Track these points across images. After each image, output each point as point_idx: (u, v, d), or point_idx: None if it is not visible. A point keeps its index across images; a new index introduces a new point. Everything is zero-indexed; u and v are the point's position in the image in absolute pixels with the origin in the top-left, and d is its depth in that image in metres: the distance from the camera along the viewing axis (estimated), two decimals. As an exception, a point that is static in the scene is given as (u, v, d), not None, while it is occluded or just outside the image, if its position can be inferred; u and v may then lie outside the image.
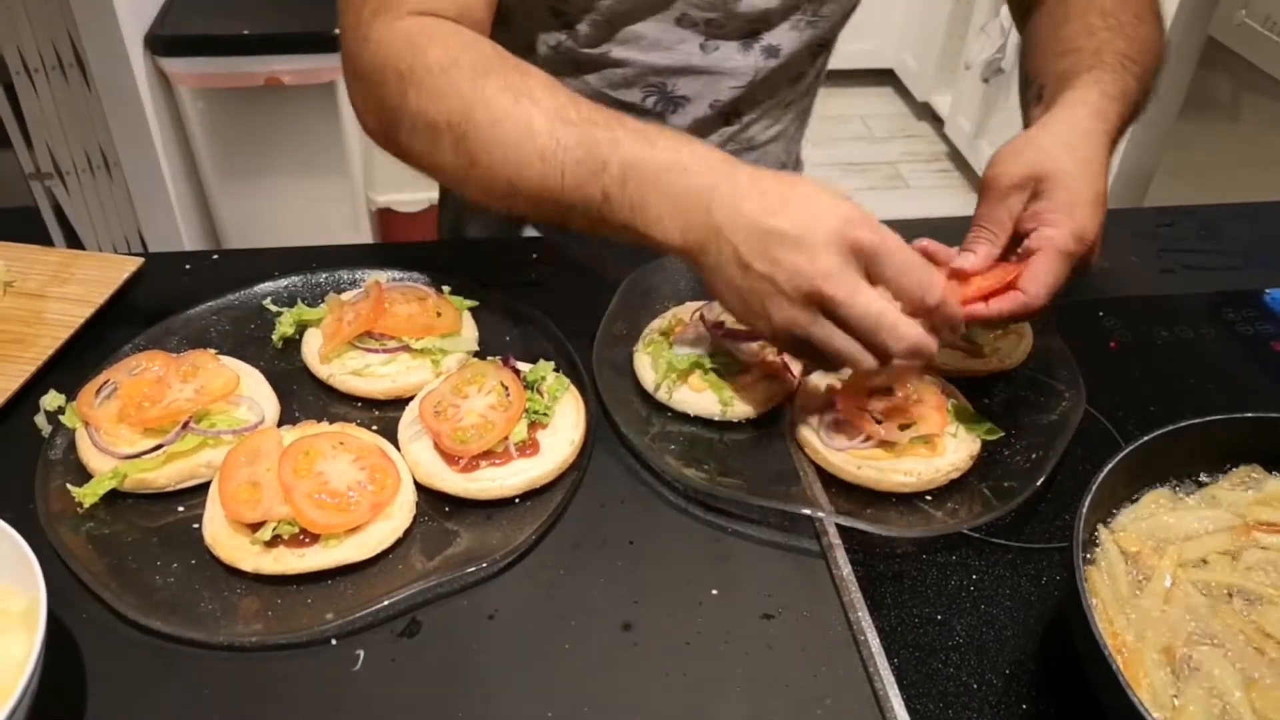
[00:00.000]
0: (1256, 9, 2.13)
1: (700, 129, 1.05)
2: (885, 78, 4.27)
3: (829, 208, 0.67)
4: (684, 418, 0.83)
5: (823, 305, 0.67)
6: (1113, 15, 0.88)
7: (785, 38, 1.00)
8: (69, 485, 0.73)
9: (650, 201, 0.70)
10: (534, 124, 0.73)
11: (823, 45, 1.08)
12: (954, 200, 3.50)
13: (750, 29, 0.98)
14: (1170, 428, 0.68)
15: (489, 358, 0.83)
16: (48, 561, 0.62)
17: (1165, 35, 0.92)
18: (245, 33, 2.10)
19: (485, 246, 1.15)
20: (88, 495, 0.72)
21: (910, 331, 0.67)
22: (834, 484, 0.77)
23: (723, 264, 0.69)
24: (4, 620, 0.61)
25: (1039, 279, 0.73)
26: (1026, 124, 0.87)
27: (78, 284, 0.93)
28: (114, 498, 0.73)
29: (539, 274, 1.00)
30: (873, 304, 0.66)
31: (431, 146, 0.77)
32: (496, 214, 1.17)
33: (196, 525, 0.71)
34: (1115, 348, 0.94)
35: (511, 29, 0.99)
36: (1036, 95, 0.88)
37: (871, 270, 0.67)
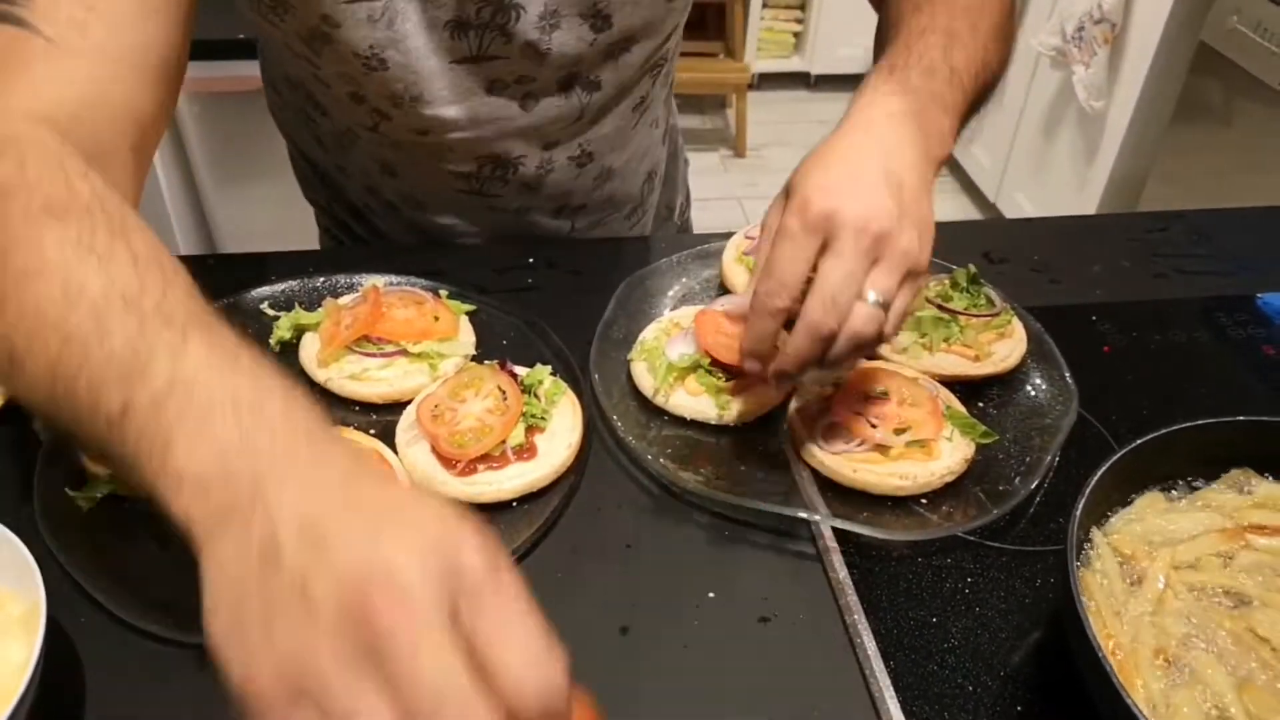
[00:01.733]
0: (1248, 15, 2.15)
1: (546, 174, 1.00)
2: (879, 82, 4.28)
3: (439, 514, 0.41)
4: (681, 421, 0.84)
5: (368, 642, 0.37)
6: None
7: (606, 73, 0.93)
8: (67, 489, 0.73)
9: (182, 438, 0.44)
10: (86, 290, 0.50)
11: (659, 65, 1.01)
12: (946, 205, 3.51)
13: (565, 77, 0.91)
14: (1163, 431, 0.68)
15: (486, 362, 0.84)
16: (47, 565, 0.62)
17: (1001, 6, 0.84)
18: (241, 36, 2.10)
19: (482, 250, 1.15)
20: (86, 499, 0.72)
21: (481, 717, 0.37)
22: (830, 487, 0.78)
23: (240, 550, 0.41)
24: (3, 624, 0.61)
25: (761, 266, 0.67)
26: None
27: (75, 288, 0.93)
28: (112, 501, 0.73)
29: (536, 278, 1.00)
30: (450, 668, 0.37)
31: None
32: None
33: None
34: (1108, 352, 0.95)
35: (330, 117, 0.96)
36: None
37: (468, 609, 0.39)
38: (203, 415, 0.45)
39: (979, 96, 0.80)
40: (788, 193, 0.70)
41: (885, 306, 0.66)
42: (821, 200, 0.65)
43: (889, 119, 0.71)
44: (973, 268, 0.93)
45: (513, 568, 0.43)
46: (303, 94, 0.98)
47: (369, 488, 0.43)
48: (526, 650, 0.40)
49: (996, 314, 0.90)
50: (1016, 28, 0.88)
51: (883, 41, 0.84)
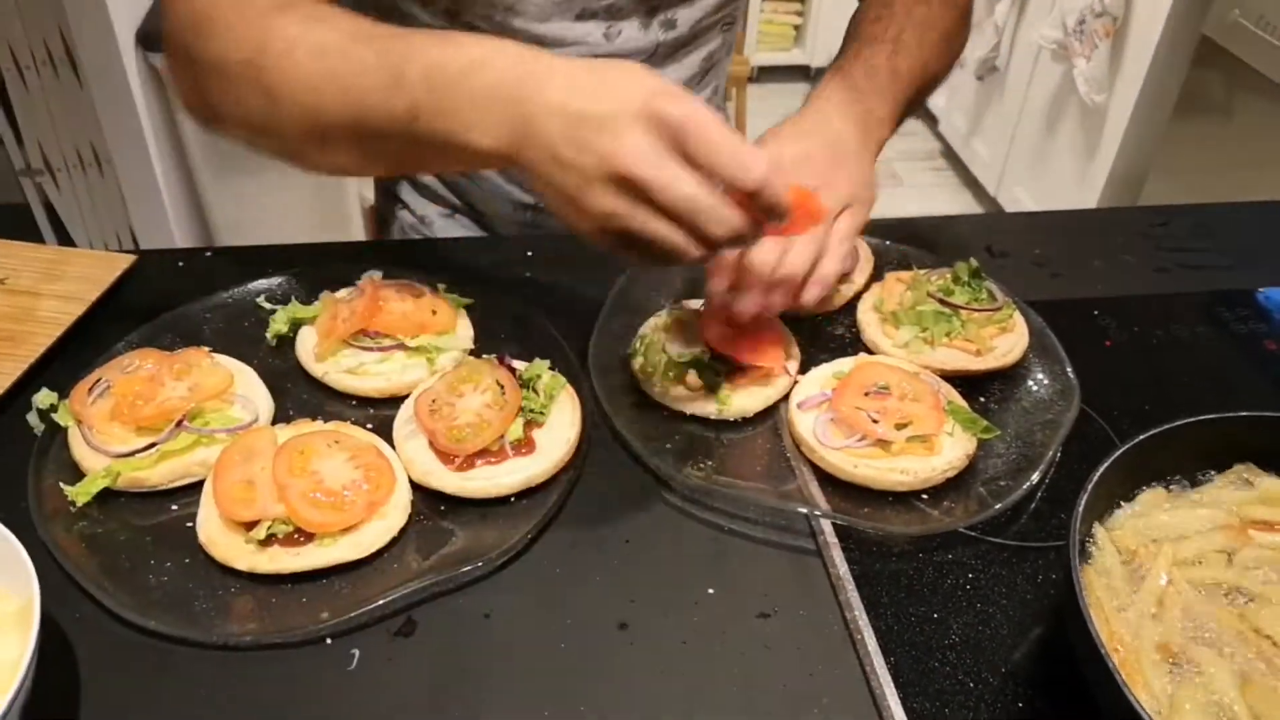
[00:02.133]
0: (1250, 8, 2.14)
1: None
2: (879, 76, 4.27)
3: (634, 84, 0.62)
4: (680, 416, 0.83)
5: (635, 190, 0.61)
6: (888, 5, 0.96)
7: (681, 12, 1.00)
8: (62, 484, 0.73)
9: (461, 106, 0.65)
10: (327, 44, 0.68)
11: (729, 23, 1.09)
12: (949, 198, 3.51)
13: (648, 6, 0.98)
14: (1165, 427, 0.68)
15: (484, 356, 0.83)
16: (41, 561, 0.62)
17: (960, 14, 1.00)
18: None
19: (480, 244, 1.14)
20: (81, 494, 0.72)
21: (729, 215, 0.63)
22: (830, 483, 0.77)
23: (540, 161, 0.64)
24: (-3, 620, 0.60)
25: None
26: None
27: (70, 281, 0.93)
28: (107, 496, 0.73)
29: (534, 272, 1.00)
30: (685, 185, 0.61)
31: (236, 94, 0.71)
32: (438, 233, 1.17)
33: (190, 524, 0.71)
34: (1110, 346, 0.95)
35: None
36: None
37: (683, 149, 0.61)
38: (461, 85, 0.65)
39: (919, 93, 0.96)
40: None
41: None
42: (791, 152, 0.82)
43: (834, 106, 0.88)
44: (974, 261, 0.92)
45: (706, 109, 0.62)
46: (393, 20, 1.00)
47: (592, 93, 0.62)
48: (734, 155, 0.61)
49: (998, 308, 0.90)
50: (968, 31, 1.02)
51: (845, 41, 0.97)
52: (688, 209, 0.62)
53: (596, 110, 0.61)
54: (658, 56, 1.02)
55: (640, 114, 0.61)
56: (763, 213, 0.64)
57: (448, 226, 1.18)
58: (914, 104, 0.95)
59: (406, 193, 1.19)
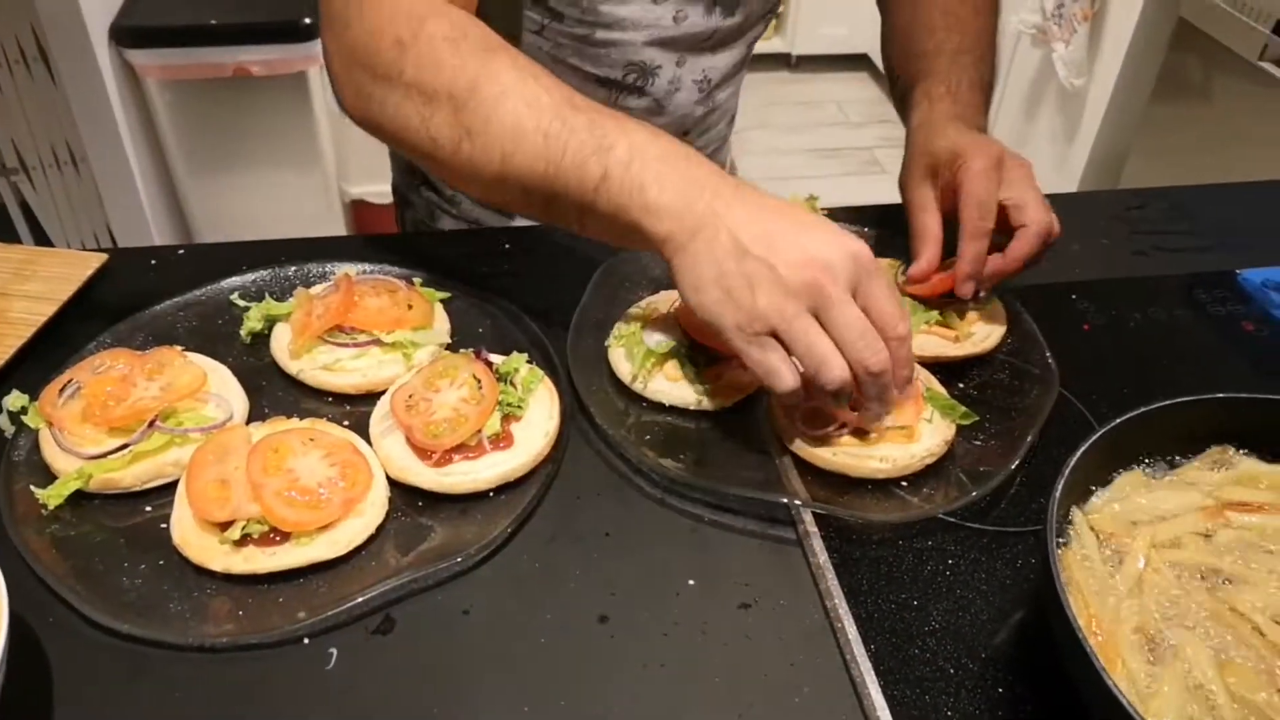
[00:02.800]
0: (1226, -10, 2.14)
1: (672, 93, 1.08)
2: (860, 63, 4.27)
3: (835, 228, 0.70)
4: (659, 408, 0.83)
5: (815, 302, 0.67)
6: (952, 13, 1.01)
7: None
8: (33, 487, 0.72)
9: (650, 183, 0.70)
10: (541, 101, 0.73)
11: (773, 10, 1.13)
12: (930, 185, 3.50)
13: None
14: (1142, 410, 0.68)
15: (461, 350, 0.82)
16: (12, 565, 0.61)
17: (998, 20, 1.06)
18: (212, 22, 2.07)
19: (456, 237, 1.14)
20: (52, 497, 0.71)
21: (883, 349, 0.69)
22: (810, 471, 0.77)
23: (713, 250, 0.69)
24: (-34, 626, 0.59)
25: (971, 201, 0.84)
26: (902, 117, 1.02)
27: (40, 281, 0.92)
28: (79, 499, 0.72)
29: (511, 265, 0.99)
30: (858, 314, 0.68)
31: (426, 117, 0.75)
32: (466, 214, 1.17)
33: (165, 525, 0.70)
34: (1088, 330, 0.95)
35: (491, 20, 0.98)
36: (900, 98, 1.03)
37: (860, 290, 0.69)
38: (659, 168, 0.70)
39: (992, 93, 1.02)
40: (934, 167, 0.90)
41: None
42: (989, 149, 0.86)
43: (951, 121, 0.92)
44: None
45: (878, 263, 0.70)
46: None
47: (789, 210, 0.70)
48: (893, 311, 0.69)
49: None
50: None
51: (906, 45, 1.03)
52: (855, 334, 0.68)
53: (798, 225, 0.69)
54: (714, 41, 1.05)
55: (839, 243, 0.68)
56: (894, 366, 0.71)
57: (474, 208, 1.18)
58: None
59: (445, 193, 1.19)
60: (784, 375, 0.70)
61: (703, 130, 1.17)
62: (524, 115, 0.72)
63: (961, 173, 0.84)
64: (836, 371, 0.68)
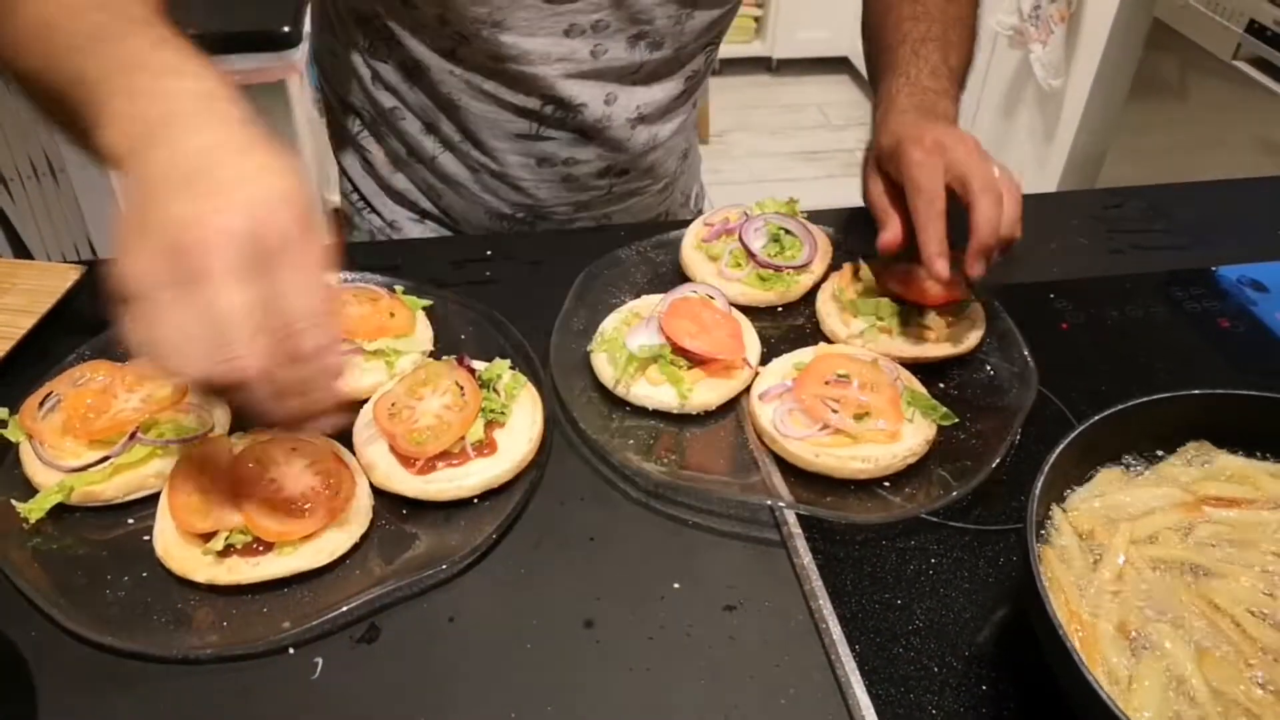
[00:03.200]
0: (1199, -10, 2.17)
1: (603, 128, 1.05)
2: (841, 66, 4.29)
3: (265, 184, 0.55)
4: (642, 412, 0.83)
5: (185, 276, 0.52)
6: (921, 2, 1.00)
7: (668, 31, 1.00)
8: (13, 501, 0.71)
9: (118, 94, 0.60)
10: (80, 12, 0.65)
11: (714, 43, 1.10)
12: (911, 186, 3.52)
13: (636, 28, 0.98)
14: (1120, 407, 0.68)
15: (444, 357, 0.82)
16: (-8, 580, 0.61)
17: (976, 6, 1.05)
18: (191, 31, 2.06)
19: (438, 244, 1.14)
20: (33, 510, 0.70)
21: (252, 362, 0.52)
22: (793, 473, 0.78)
23: (130, 185, 0.56)
24: (-53, 642, 0.59)
25: (917, 188, 0.83)
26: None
27: (18, 294, 0.91)
28: (61, 512, 0.72)
29: (493, 271, 0.99)
30: (233, 299, 0.52)
31: None
32: (408, 236, 1.18)
33: (147, 537, 0.70)
34: (1066, 329, 0.96)
35: (404, 47, 1.00)
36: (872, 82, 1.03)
37: (267, 270, 0.53)
38: (130, 78, 0.60)
39: (965, 83, 1.00)
40: (878, 157, 0.90)
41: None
42: (927, 134, 0.84)
43: (903, 114, 0.90)
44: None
45: (319, 239, 0.55)
46: (372, 30, 1.02)
47: (230, 154, 0.57)
48: (307, 309, 0.53)
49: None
50: (979, 19, 1.06)
51: (876, 40, 1.03)
52: (209, 322, 0.52)
53: (216, 173, 0.55)
54: (644, 74, 1.03)
55: (247, 209, 0.53)
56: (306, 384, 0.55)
57: (417, 232, 1.18)
58: (962, 93, 1.00)
59: (377, 198, 1.18)
60: (169, 355, 0.53)
61: (646, 168, 1.14)
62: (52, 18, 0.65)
63: (904, 165, 0.84)
64: (192, 365, 0.53)
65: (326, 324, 0.55)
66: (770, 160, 3.76)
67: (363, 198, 1.20)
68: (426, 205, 1.16)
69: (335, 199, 2.79)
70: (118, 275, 0.53)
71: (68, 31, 0.65)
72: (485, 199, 1.11)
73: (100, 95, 0.60)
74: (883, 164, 0.89)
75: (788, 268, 0.95)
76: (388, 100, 1.07)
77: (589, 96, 1.02)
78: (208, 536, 0.67)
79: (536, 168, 1.08)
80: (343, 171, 1.22)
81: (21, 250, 2.26)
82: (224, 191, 0.54)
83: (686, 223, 1.02)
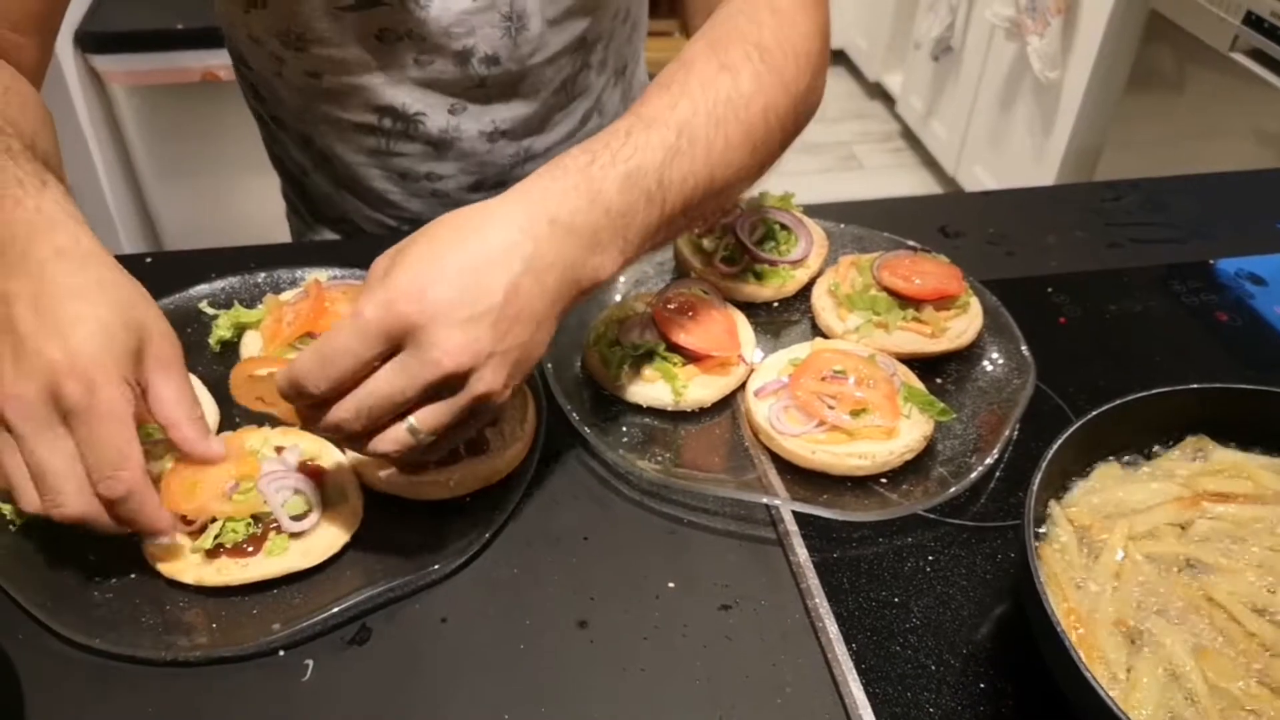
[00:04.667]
0: (1196, -18, 2.16)
1: (453, 140, 1.01)
2: (836, 58, 4.27)
3: (66, 351, 0.58)
4: (636, 409, 0.82)
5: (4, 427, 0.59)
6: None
7: (502, 47, 0.94)
8: (-1, 502, 0.70)
9: None
10: None
11: (582, 47, 1.00)
12: (908, 180, 3.52)
13: (457, 42, 0.92)
14: (1118, 401, 0.68)
15: (435, 354, 0.81)
16: (-24, 583, 0.60)
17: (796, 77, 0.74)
18: (179, 27, 2.05)
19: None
20: (19, 513, 0.69)
21: (73, 507, 0.59)
22: (789, 470, 0.77)
23: None
24: (-69, 647, 0.58)
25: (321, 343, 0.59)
26: None
27: (5, 292, 0.90)
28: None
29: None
30: (47, 456, 0.58)
31: None
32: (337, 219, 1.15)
33: (135, 538, 0.69)
34: (1064, 323, 0.95)
35: (252, 70, 1.00)
36: None
37: (73, 423, 0.59)
38: None
39: (689, 213, 0.69)
40: (385, 265, 0.61)
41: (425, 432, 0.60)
42: (412, 307, 0.57)
43: (551, 225, 0.61)
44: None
45: (113, 394, 0.59)
46: (233, 47, 1.02)
47: (25, 308, 0.59)
48: (108, 460, 0.59)
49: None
50: (813, 92, 0.77)
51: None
52: (34, 475, 0.59)
53: (23, 340, 0.58)
54: (488, 90, 0.97)
55: (45, 382, 0.58)
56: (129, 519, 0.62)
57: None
58: (679, 226, 0.70)
59: (304, 212, 1.17)
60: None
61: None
62: None
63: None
64: (26, 501, 0.60)
65: (129, 471, 0.60)
66: (766, 154, 3.74)
67: (298, 210, 1.19)
68: (339, 221, 1.13)
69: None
70: None
71: None
72: (370, 213, 1.08)
73: None
74: None
75: (783, 262, 0.94)
76: (267, 115, 1.07)
77: (425, 106, 0.97)
78: (196, 534, 0.66)
79: (401, 181, 1.04)
80: (285, 193, 1.22)
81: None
82: (20, 354, 0.58)
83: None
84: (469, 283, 0.58)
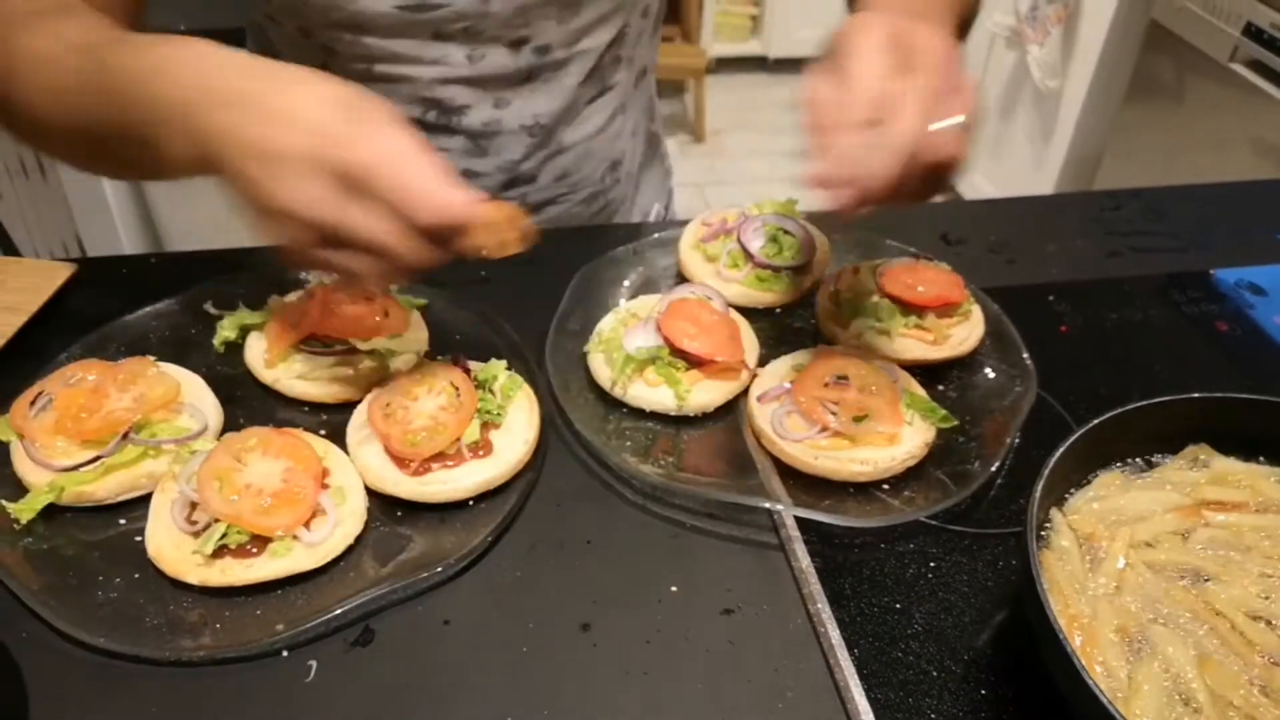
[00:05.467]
0: (1196, -8, 2.17)
1: (494, 134, 1.03)
2: (837, 65, 4.28)
3: (303, 124, 0.60)
4: (640, 413, 0.82)
5: (321, 233, 0.62)
6: None
7: (554, 34, 0.97)
8: (4, 501, 0.71)
9: (149, 117, 0.65)
10: (64, 62, 0.70)
11: (617, 39, 1.04)
12: (907, 186, 3.52)
13: (512, 36, 0.96)
14: (1119, 410, 0.68)
15: (439, 357, 0.82)
16: (-18, 581, 0.60)
17: None
18: (182, 28, 2.05)
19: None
20: (24, 510, 0.70)
21: (414, 247, 0.63)
22: (792, 475, 0.77)
23: (231, 179, 0.63)
24: (-65, 645, 0.58)
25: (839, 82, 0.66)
26: None
27: (9, 292, 0.90)
28: (52, 512, 0.71)
29: (489, 270, 0.98)
30: (363, 228, 0.62)
31: None
32: None
33: (139, 538, 0.69)
34: (1065, 332, 0.95)
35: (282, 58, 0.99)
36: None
37: (365, 189, 0.61)
38: (147, 94, 0.64)
39: (965, 24, 0.85)
40: (830, 55, 0.69)
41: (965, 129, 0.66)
42: (885, 22, 0.66)
43: (874, 13, 0.71)
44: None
45: (391, 141, 0.62)
46: (262, 45, 1.02)
47: (257, 119, 0.61)
48: (411, 197, 0.61)
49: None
50: None
51: None
52: (371, 246, 0.63)
53: (267, 149, 0.60)
54: (535, 80, 1.00)
55: (310, 162, 0.60)
56: (443, 240, 0.65)
57: None
58: (961, 35, 0.82)
59: None
60: (362, 279, 0.66)
61: (559, 175, 1.09)
62: (52, 78, 0.70)
63: (845, 54, 0.67)
64: (385, 278, 0.66)
65: (435, 193, 0.62)
66: (768, 159, 3.75)
67: None
68: None
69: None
70: (283, 226, 0.62)
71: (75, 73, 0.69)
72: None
73: (158, 119, 0.64)
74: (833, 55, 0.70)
75: (786, 269, 0.94)
76: None
77: (473, 100, 0.99)
78: (198, 534, 0.67)
79: None
80: None
81: (9, 248, 2.24)
82: (279, 164, 0.60)
83: (684, 223, 1.01)
84: (907, 17, 0.69)
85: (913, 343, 0.87)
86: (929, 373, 0.86)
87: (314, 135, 0.60)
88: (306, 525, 0.68)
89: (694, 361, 0.83)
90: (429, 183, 0.62)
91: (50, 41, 0.71)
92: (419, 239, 0.63)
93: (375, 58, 0.95)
